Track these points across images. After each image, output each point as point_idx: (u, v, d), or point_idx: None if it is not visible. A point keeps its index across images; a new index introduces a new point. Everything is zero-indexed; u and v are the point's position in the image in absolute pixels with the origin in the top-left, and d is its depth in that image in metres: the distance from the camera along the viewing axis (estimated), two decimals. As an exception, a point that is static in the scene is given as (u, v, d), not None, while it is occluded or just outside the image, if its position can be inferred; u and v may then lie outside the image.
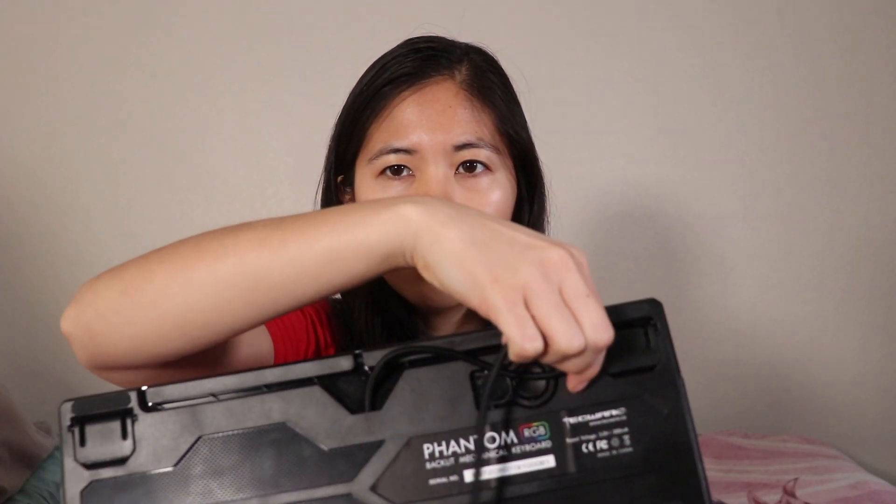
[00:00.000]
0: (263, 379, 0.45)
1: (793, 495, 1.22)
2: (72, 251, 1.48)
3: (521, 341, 0.40)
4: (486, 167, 0.70)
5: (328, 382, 0.45)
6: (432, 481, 0.44)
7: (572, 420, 0.44)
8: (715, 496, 1.30)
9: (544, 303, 0.41)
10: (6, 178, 1.50)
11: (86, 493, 0.45)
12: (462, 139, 0.69)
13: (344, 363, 0.45)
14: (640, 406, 0.44)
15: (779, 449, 1.42)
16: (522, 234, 0.44)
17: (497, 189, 0.70)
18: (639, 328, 0.46)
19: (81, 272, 1.46)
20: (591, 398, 0.45)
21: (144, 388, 0.46)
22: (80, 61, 1.54)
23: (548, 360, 0.42)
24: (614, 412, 0.44)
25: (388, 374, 0.45)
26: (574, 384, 0.44)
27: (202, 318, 0.49)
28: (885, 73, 1.61)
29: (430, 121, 0.69)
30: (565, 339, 0.40)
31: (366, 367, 0.45)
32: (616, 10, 1.59)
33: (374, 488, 0.44)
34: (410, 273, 0.69)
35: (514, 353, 0.41)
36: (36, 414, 1.35)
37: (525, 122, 0.76)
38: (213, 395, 0.46)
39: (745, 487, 1.30)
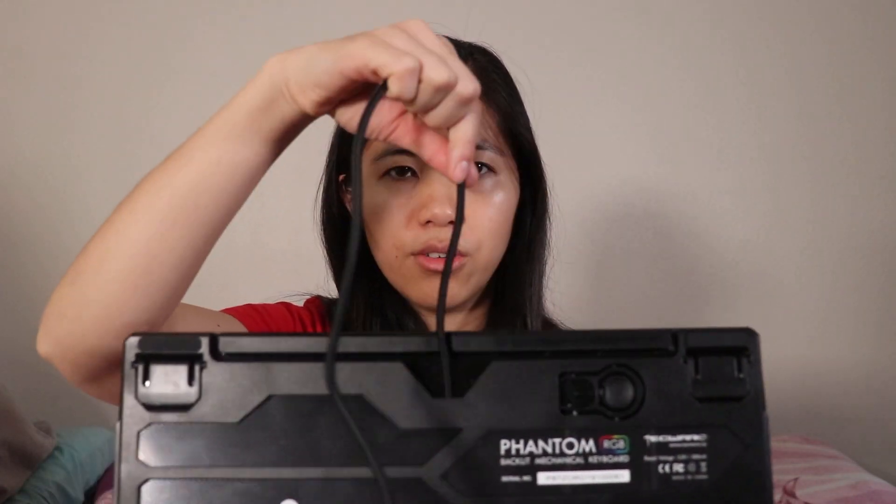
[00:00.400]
0: (345, 347, 0.43)
1: (793, 495, 1.23)
2: (73, 251, 1.43)
3: (394, 60, 0.43)
4: (490, 169, 0.69)
5: (412, 361, 0.44)
6: (504, 478, 0.43)
7: (653, 438, 0.44)
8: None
9: (408, 41, 0.45)
10: (8, 177, 1.46)
11: (144, 434, 0.43)
12: None
13: (430, 343, 0.44)
14: (722, 435, 0.44)
15: (779, 449, 1.42)
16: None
17: (500, 191, 0.70)
18: (732, 356, 0.45)
19: None
20: (676, 419, 0.44)
21: (218, 334, 0.44)
22: (81, 62, 1.49)
23: (418, 100, 0.45)
24: (696, 437, 0.44)
25: (475, 362, 0.44)
26: (452, 164, 0.48)
27: (145, 262, 0.52)
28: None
29: None
30: (434, 66, 0.44)
31: (453, 351, 0.44)
32: (619, 11, 1.56)
33: (445, 476, 0.43)
34: (412, 270, 0.68)
35: (392, 78, 0.44)
36: (36, 414, 1.36)
37: (528, 122, 0.75)
38: (290, 354, 0.44)
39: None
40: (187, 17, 1.50)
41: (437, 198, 0.67)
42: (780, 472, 1.35)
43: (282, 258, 1.50)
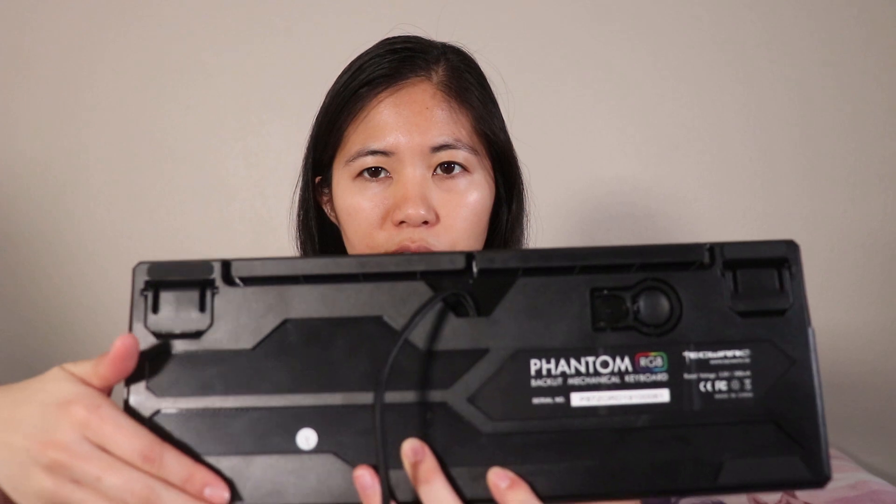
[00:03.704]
0: (363, 267, 0.41)
1: (793, 495, 1.21)
2: (74, 251, 1.45)
3: None
4: (464, 168, 0.68)
5: (434, 280, 0.41)
6: (536, 400, 0.40)
7: (693, 355, 0.41)
8: (715, 496, 1.28)
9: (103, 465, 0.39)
10: (7, 176, 1.47)
11: (153, 364, 0.41)
12: (439, 141, 0.67)
13: (455, 261, 0.41)
14: (766, 350, 0.41)
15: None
16: None
17: (474, 190, 0.69)
18: (772, 269, 0.42)
19: (81, 272, 1.44)
20: (716, 334, 0.41)
21: (230, 259, 0.42)
22: (80, 62, 1.51)
23: None
24: (738, 353, 0.41)
25: (501, 280, 0.42)
26: None
27: None
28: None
29: (407, 122, 0.67)
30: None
31: (476, 269, 0.42)
32: (618, 11, 1.56)
33: (472, 399, 0.40)
34: None
35: None
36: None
37: (503, 122, 0.74)
38: (305, 277, 0.42)
39: (747, 484, 1.29)
40: (190, 18, 1.52)
41: (410, 198, 0.65)
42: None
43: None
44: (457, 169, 0.68)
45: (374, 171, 0.68)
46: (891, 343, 1.60)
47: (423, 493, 0.39)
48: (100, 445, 0.39)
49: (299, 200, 0.79)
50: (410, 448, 0.39)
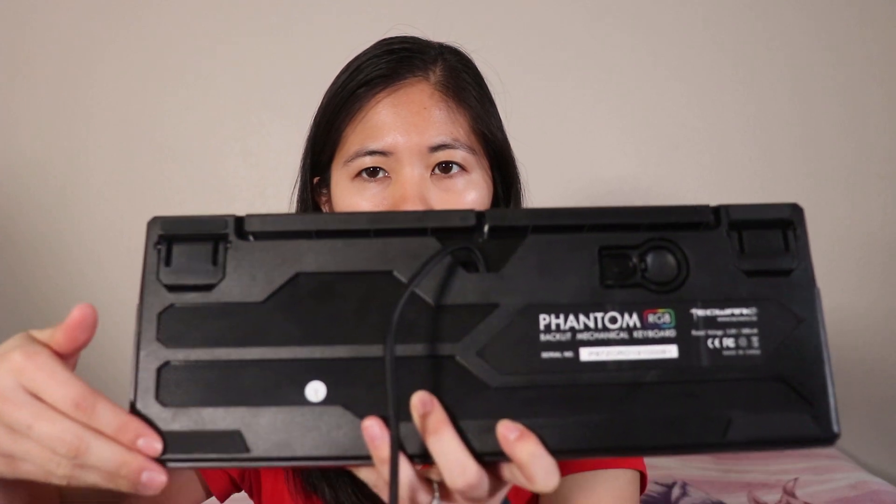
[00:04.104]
0: (374, 223, 0.42)
1: (793, 495, 1.21)
2: (75, 251, 1.46)
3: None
4: (462, 168, 0.69)
5: (444, 236, 0.42)
6: (545, 355, 0.40)
7: (701, 312, 0.41)
8: (714, 496, 1.28)
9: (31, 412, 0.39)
10: (8, 176, 1.48)
11: (164, 315, 0.41)
12: (437, 140, 0.68)
13: (466, 218, 0.42)
14: (773, 309, 0.41)
15: (778, 448, 1.42)
16: None
17: (472, 190, 0.69)
18: (777, 230, 0.43)
19: (81, 272, 1.44)
20: (723, 292, 0.41)
21: (244, 215, 0.42)
22: (80, 62, 1.52)
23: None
24: (745, 311, 0.41)
25: (510, 237, 0.42)
26: None
27: None
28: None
29: (405, 122, 0.68)
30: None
31: (487, 226, 0.42)
32: (616, 11, 1.58)
33: (480, 353, 0.40)
34: None
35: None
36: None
37: (500, 121, 0.75)
38: (317, 231, 0.42)
39: (745, 487, 1.29)
40: (190, 18, 1.53)
41: (409, 198, 0.66)
42: (780, 473, 1.32)
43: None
44: (455, 168, 0.69)
45: (373, 172, 0.69)
46: (890, 343, 1.61)
47: (432, 443, 0.39)
48: (34, 393, 0.39)
49: (298, 201, 0.79)
50: (419, 399, 0.39)
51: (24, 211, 1.47)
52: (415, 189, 0.67)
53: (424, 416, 0.39)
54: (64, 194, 1.47)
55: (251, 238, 0.42)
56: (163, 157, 1.50)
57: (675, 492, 1.31)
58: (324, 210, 0.78)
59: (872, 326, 1.60)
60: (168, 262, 0.42)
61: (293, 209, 0.81)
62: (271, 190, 1.50)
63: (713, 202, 0.43)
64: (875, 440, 1.59)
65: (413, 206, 0.66)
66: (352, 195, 0.69)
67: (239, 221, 0.42)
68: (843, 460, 1.39)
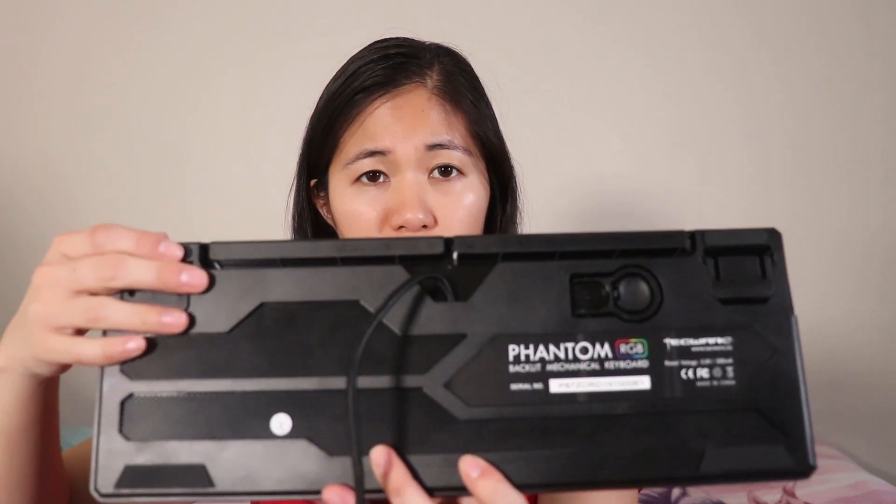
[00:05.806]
0: (341, 251, 0.41)
1: (793, 495, 1.21)
2: None
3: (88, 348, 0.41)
4: (459, 171, 0.69)
5: (412, 264, 0.41)
6: (514, 386, 0.40)
7: (675, 342, 0.40)
8: (714, 496, 1.27)
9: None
10: (8, 176, 1.48)
11: (128, 344, 0.41)
12: (434, 139, 0.68)
13: (433, 245, 0.41)
14: (748, 338, 0.40)
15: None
16: None
17: (470, 193, 0.70)
18: (754, 256, 0.42)
19: None
20: (697, 321, 0.40)
21: (208, 242, 0.42)
22: (79, 61, 1.52)
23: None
24: (720, 340, 0.40)
25: (479, 265, 0.41)
26: None
27: None
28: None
29: (404, 124, 0.68)
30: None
31: (455, 254, 0.41)
32: (616, 10, 1.56)
33: (448, 385, 0.40)
34: None
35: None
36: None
37: (496, 123, 0.75)
38: (283, 260, 0.41)
39: (745, 487, 1.28)
40: (191, 19, 1.52)
41: (408, 203, 0.66)
42: (781, 473, 1.33)
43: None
44: (453, 172, 0.69)
45: (372, 176, 0.69)
46: (890, 344, 1.59)
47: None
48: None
49: (294, 203, 0.79)
50: (377, 457, 0.38)
51: (24, 211, 1.48)
52: (414, 193, 0.67)
53: (385, 475, 0.38)
54: (64, 195, 1.47)
55: (217, 266, 0.41)
56: (163, 157, 1.50)
57: (675, 492, 1.31)
58: (322, 213, 0.78)
59: (872, 326, 1.59)
60: (132, 292, 0.41)
61: (289, 211, 0.81)
62: (271, 190, 1.49)
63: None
64: (875, 440, 1.58)
65: (413, 211, 0.66)
66: (351, 200, 0.70)
67: (204, 249, 0.41)
68: (843, 460, 1.39)
